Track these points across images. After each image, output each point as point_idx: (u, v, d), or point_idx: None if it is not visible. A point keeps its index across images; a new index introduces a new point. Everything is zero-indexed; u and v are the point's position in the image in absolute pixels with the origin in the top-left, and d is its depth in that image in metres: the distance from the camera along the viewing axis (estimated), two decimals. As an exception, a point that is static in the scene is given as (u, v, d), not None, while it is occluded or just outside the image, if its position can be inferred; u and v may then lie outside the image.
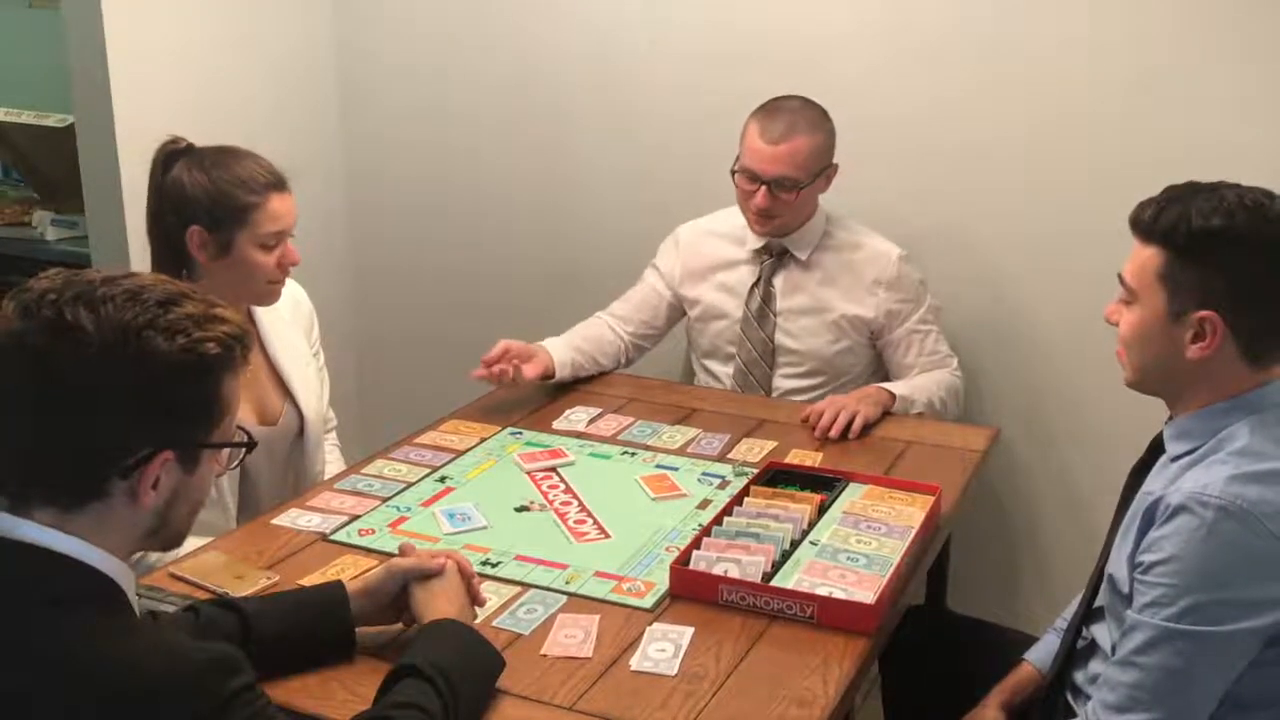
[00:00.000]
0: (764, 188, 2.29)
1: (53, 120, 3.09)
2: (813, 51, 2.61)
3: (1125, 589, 1.48)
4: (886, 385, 2.30)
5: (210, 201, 1.93)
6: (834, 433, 2.15)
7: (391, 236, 3.20)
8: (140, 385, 1.11)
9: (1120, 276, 1.53)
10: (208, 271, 1.96)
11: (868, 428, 2.18)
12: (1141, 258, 1.49)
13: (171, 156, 1.98)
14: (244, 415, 1.98)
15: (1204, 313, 1.44)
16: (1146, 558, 1.43)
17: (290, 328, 2.18)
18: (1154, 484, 1.51)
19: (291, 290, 2.15)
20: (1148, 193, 1.51)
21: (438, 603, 1.45)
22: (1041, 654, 1.75)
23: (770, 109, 2.32)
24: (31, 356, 1.10)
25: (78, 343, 1.09)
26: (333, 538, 1.80)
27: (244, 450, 1.25)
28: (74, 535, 1.12)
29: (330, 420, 2.29)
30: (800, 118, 2.30)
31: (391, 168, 3.14)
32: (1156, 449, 1.57)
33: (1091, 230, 2.41)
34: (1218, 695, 1.41)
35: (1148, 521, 1.45)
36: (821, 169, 2.33)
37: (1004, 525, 2.73)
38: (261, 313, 2.10)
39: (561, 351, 2.38)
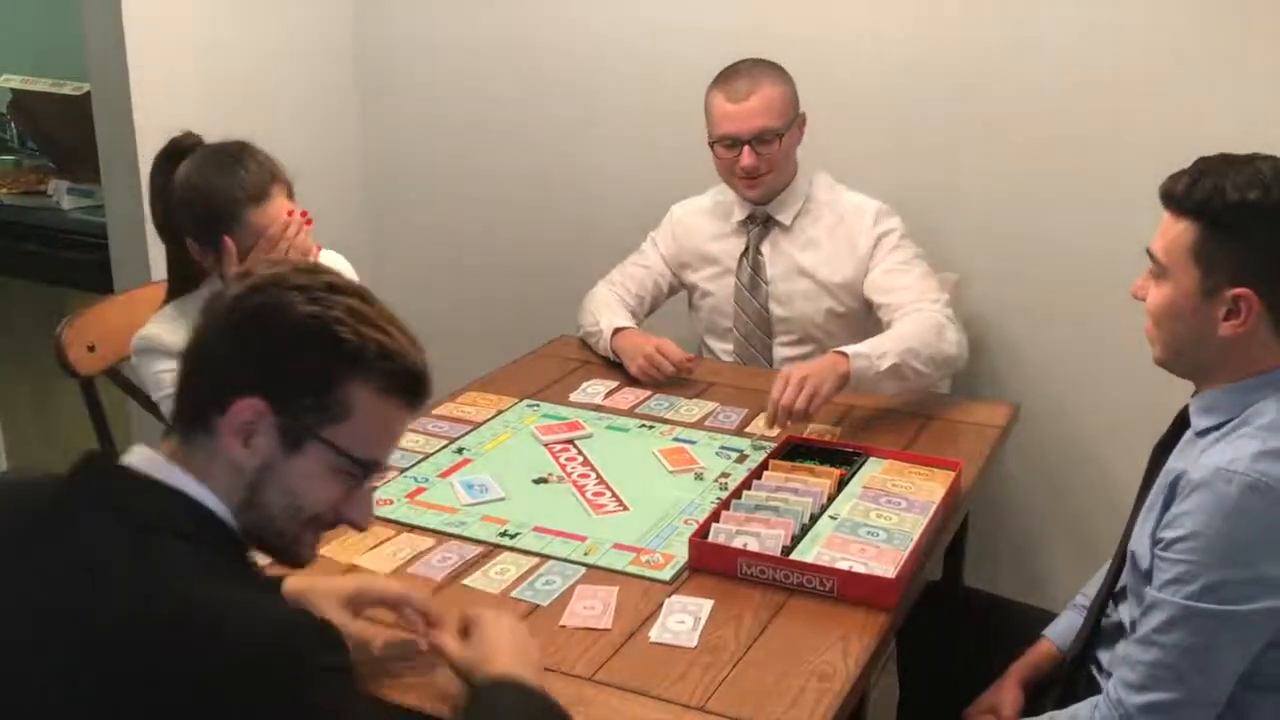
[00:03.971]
0: (746, 147, 2.27)
1: (69, 88, 3.07)
2: (820, 29, 2.61)
3: (1145, 565, 1.46)
4: (842, 348, 2.07)
5: (195, 217, 1.91)
6: (798, 406, 1.96)
7: (409, 220, 3.21)
8: (263, 332, 1.14)
9: (1150, 251, 1.49)
10: (211, 277, 1.96)
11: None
12: (1173, 232, 1.44)
13: (172, 156, 1.94)
14: None
15: (1239, 290, 1.40)
16: (1167, 534, 1.41)
17: None
18: (1178, 460, 1.49)
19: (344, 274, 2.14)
20: (1175, 166, 1.48)
21: (500, 656, 1.29)
22: (1061, 631, 1.74)
23: (726, 74, 2.31)
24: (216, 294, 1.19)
25: (242, 280, 1.17)
26: (350, 508, 1.80)
27: (363, 474, 1.19)
28: (189, 474, 1.14)
29: None
30: (759, 70, 2.29)
31: (409, 153, 3.15)
32: (1181, 424, 1.55)
33: (1116, 204, 2.39)
34: (1237, 674, 1.40)
35: (1170, 497, 1.43)
36: (795, 116, 2.31)
37: (1023, 501, 2.71)
38: None
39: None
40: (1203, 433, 1.47)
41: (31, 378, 3.09)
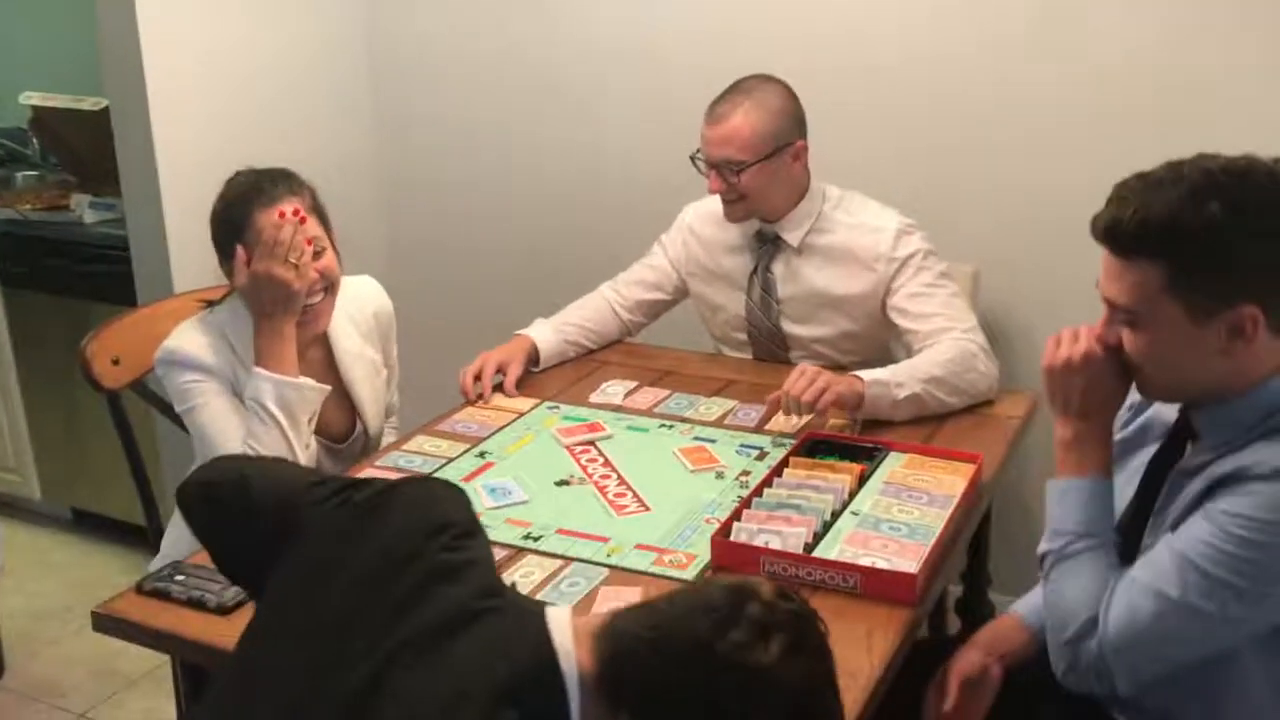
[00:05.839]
0: (714, 170, 2.21)
1: (88, 104, 3.11)
2: (846, 27, 2.61)
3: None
4: (860, 372, 2.07)
5: (217, 226, 1.96)
6: (806, 397, 1.97)
7: (425, 223, 3.24)
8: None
9: (1109, 300, 1.40)
10: (234, 293, 1.98)
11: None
12: (1134, 276, 1.35)
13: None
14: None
15: (1241, 309, 1.32)
16: (1229, 526, 1.33)
17: (363, 342, 2.14)
18: (1199, 463, 1.41)
19: (374, 299, 2.18)
20: (1186, 153, 1.43)
21: None
22: (1032, 607, 1.63)
23: (724, 92, 2.22)
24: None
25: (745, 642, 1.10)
26: (376, 514, 1.82)
27: None
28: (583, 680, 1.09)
29: (393, 406, 2.29)
30: (746, 97, 2.18)
31: (423, 159, 3.18)
32: (1180, 435, 1.48)
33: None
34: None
35: (1212, 490, 1.36)
36: (773, 149, 2.18)
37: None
38: (336, 328, 2.09)
39: (551, 342, 2.37)
40: (1220, 448, 1.39)
41: (58, 390, 3.13)
